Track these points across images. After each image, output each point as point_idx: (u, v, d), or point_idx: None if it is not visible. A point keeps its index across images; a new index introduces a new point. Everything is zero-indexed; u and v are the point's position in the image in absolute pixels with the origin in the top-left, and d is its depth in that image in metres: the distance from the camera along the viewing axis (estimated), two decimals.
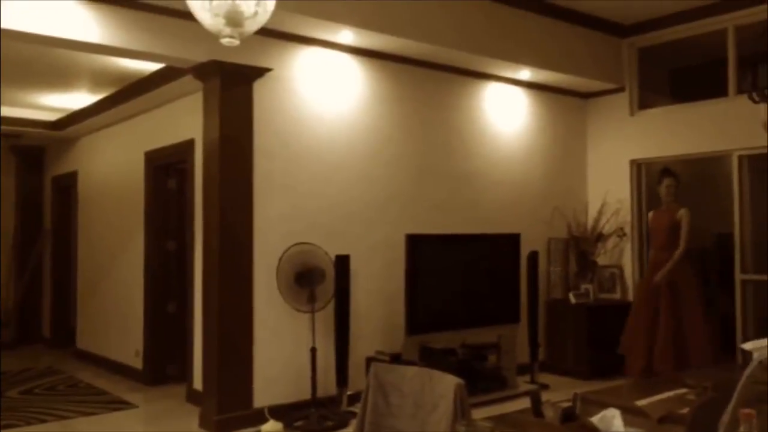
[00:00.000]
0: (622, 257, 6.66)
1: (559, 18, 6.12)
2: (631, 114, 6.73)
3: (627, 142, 6.71)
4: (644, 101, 6.73)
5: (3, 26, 3.95)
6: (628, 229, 6.60)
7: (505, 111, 6.41)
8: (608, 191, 6.71)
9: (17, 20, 3.98)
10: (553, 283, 6.65)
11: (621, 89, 6.74)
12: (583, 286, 6.51)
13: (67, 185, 8.27)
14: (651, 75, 6.83)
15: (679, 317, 5.45)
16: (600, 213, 6.67)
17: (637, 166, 6.70)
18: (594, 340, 6.21)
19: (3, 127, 7.52)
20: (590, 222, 6.73)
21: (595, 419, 2.19)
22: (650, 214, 5.90)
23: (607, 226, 6.62)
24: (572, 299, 6.39)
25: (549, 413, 2.27)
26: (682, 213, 5.58)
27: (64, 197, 8.41)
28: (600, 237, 6.60)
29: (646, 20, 6.44)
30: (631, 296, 6.49)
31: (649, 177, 6.73)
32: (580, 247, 6.62)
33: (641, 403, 2.68)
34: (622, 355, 5.78)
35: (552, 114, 6.80)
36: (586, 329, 6.25)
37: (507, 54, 5.81)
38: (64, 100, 6.87)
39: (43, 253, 8.74)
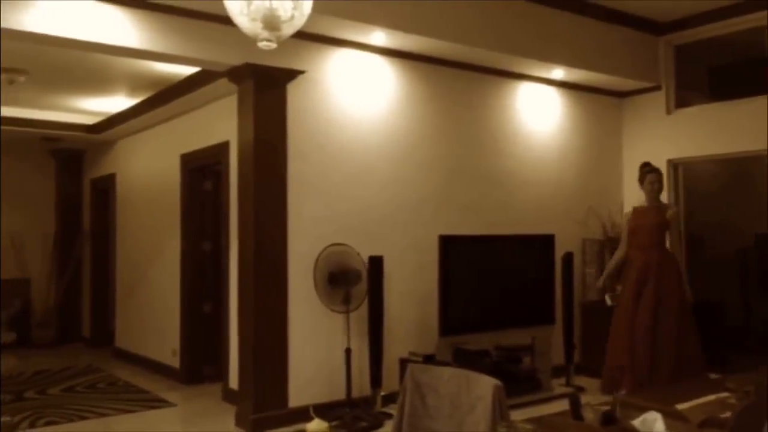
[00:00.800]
0: None
1: (593, 16, 6.05)
2: (668, 113, 6.61)
3: (664, 141, 6.59)
4: (681, 100, 6.61)
5: (45, 32, 4.05)
6: None
7: (538, 111, 6.35)
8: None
9: (57, 26, 4.08)
10: (588, 284, 6.56)
11: (657, 88, 6.63)
12: (619, 288, 6.40)
13: (105, 187, 8.44)
14: (689, 73, 6.70)
15: (671, 326, 5.11)
16: None
17: (674, 166, 6.58)
18: None
19: (44, 130, 7.72)
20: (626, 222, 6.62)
21: (636, 422, 2.17)
22: (629, 211, 5.58)
23: None
24: (608, 301, 6.27)
25: (588, 416, 2.25)
26: (673, 213, 5.39)
27: (103, 199, 8.58)
28: None
29: (683, 17, 6.32)
30: None
31: (687, 177, 6.61)
32: (616, 248, 6.51)
33: (682, 407, 2.64)
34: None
35: (586, 113, 6.72)
36: None
37: (540, 53, 5.76)
38: (102, 103, 7.01)
39: (82, 255, 8.93)
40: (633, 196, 6.71)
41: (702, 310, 5.57)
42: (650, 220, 5.32)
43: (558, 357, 5.87)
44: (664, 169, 6.54)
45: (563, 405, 4.88)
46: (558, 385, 5.66)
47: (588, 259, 6.56)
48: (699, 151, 6.35)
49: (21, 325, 8.70)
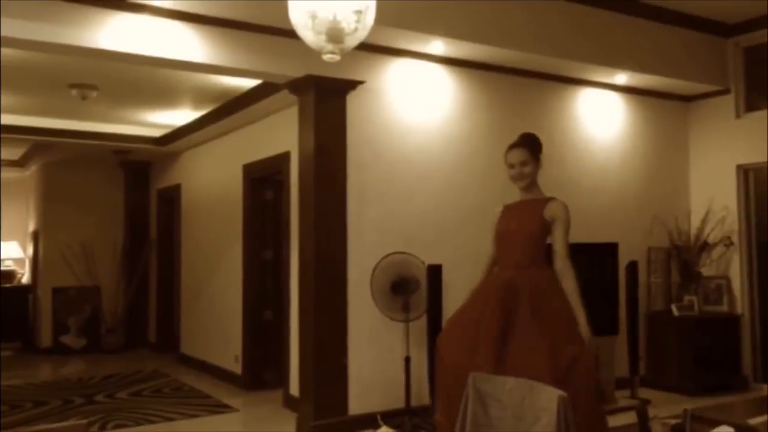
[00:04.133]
0: (729, 268, 6.30)
1: (657, 19, 5.90)
2: (738, 117, 6.38)
3: (733, 146, 6.36)
4: (751, 103, 6.37)
5: (116, 49, 4.23)
6: (735, 238, 6.25)
7: (600, 117, 6.23)
8: (713, 198, 6.39)
9: (128, 43, 4.24)
10: (654, 294, 6.39)
11: (726, 91, 6.41)
12: (687, 298, 6.21)
13: (171, 198, 8.70)
14: (759, 76, 6.46)
15: None
16: (704, 221, 6.35)
17: (744, 171, 6.34)
18: (700, 355, 5.91)
19: (114, 143, 8.02)
20: (694, 230, 6.43)
21: None
22: (498, 210, 3.80)
23: (712, 235, 6.29)
24: (675, 311, 6.11)
25: (657, 430, 2.19)
26: (555, 208, 3.53)
27: (168, 209, 8.85)
28: (705, 246, 6.29)
29: (752, 18, 6.10)
30: (740, 308, 6.14)
31: (758, 183, 6.36)
32: (683, 256, 6.32)
33: (754, 421, 2.54)
34: (729, 370, 5.41)
35: (651, 118, 6.55)
36: (692, 343, 5.95)
37: (602, 58, 5.66)
38: (169, 117, 7.24)
39: (149, 263, 9.22)
40: (701, 203, 6.50)
41: None
42: (519, 224, 3.57)
43: (622, 368, 5.71)
44: (733, 175, 6.31)
45: (628, 418, 4.77)
46: (622, 398, 5.51)
47: (653, 268, 6.38)
48: None
49: (91, 331, 9.04)
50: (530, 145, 3.62)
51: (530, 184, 3.59)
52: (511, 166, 3.61)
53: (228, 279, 6.90)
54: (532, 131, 5.77)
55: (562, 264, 3.43)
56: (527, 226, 3.49)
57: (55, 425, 1.74)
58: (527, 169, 3.56)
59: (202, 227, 7.75)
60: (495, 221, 3.70)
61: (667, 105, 6.64)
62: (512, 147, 3.66)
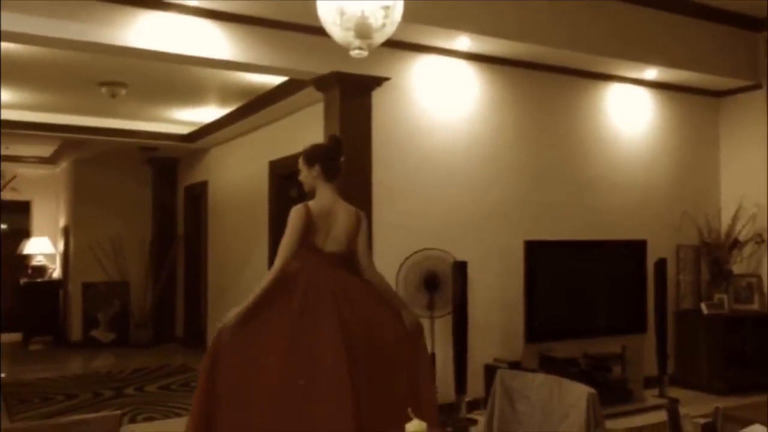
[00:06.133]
0: (761, 266, 6.19)
1: (686, 13, 5.81)
2: None
3: (765, 142, 6.24)
4: None
5: (145, 47, 4.28)
6: (766, 236, 6.14)
7: (628, 112, 6.16)
8: (744, 195, 6.27)
9: (157, 41, 4.30)
10: (683, 292, 6.30)
11: (758, 86, 6.28)
12: (717, 296, 6.12)
13: (198, 194, 8.79)
14: None
15: None
16: (735, 218, 6.25)
17: None
18: (730, 353, 5.82)
19: (142, 140, 8.13)
20: (724, 228, 6.32)
21: None
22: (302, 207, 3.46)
23: (743, 232, 6.19)
24: (705, 310, 6.02)
25: (687, 428, 2.16)
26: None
27: (196, 206, 8.94)
28: (735, 244, 6.18)
29: None
30: None
31: None
32: (713, 254, 6.22)
33: None
34: (760, 369, 5.34)
35: (681, 114, 6.46)
36: (722, 341, 5.86)
37: (631, 54, 5.59)
38: (196, 114, 7.31)
39: (176, 259, 9.33)
40: (732, 200, 6.40)
41: None
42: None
43: (650, 367, 5.65)
44: (765, 171, 6.19)
45: (656, 417, 4.73)
46: (650, 396, 5.45)
47: (682, 266, 6.30)
48: None
49: (120, 325, 9.18)
50: (305, 154, 3.58)
51: (309, 190, 3.59)
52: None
53: (255, 275, 6.94)
54: (557, 127, 5.78)
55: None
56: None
57: (89, 416, 1.77)
58: (300, 177, 3.61)
59: (229, 224, 7.81)
60: None
61: (698, 100, 6.54)
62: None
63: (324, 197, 3.46)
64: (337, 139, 3.63)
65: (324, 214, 3.39)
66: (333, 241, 3.39)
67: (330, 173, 3.47)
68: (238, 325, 3.17)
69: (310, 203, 3.45)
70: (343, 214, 3.44)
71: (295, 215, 3.33)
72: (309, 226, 3.32)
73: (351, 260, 3.48)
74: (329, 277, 3.31)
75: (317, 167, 3.48)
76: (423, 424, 1.45)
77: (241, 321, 3.18)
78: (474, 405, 5.02)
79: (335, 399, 3.01)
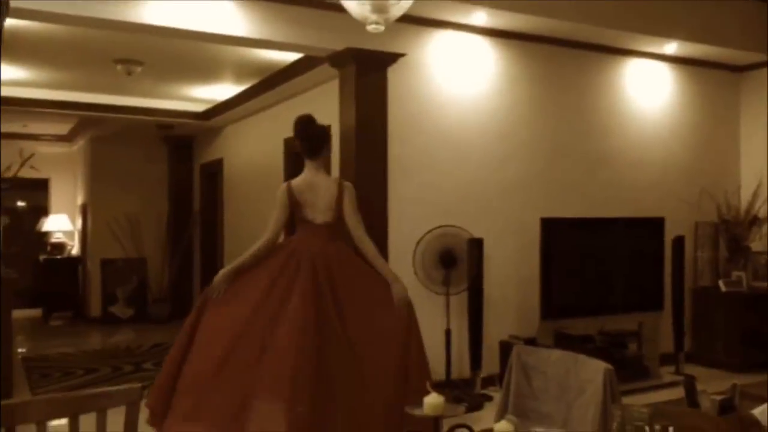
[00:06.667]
0: None
1: None
2: None
3: None
4: None
5: (161, 24, 4.27)
6: None
7: (647, 88, 6.07)
8: (764, 171, 6.19)
9: (173, 18, 4.28)
10: (701, 269, 6.26)
11: None
12: (735, 274, 6.07)
13: (214, 172, 8.83)
14: None
15: None
16: (755, 195, 6.17)
17: None
18: (748, 331, 5.80)
19: (158, 118, 8.16)
20: (743, 204, 6.26)
21: (755, 412, 2.06)
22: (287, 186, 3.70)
23: (762, 209, 6.12)
24: (722, 287, 5.99)
25: (705, 404, 2.16)
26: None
27: (211, 183, 8.98)
28: (755, 221, 6.12)
29: None
30: None
31: None
32: (732, 231, 6.17)
33: None
34: None
35: (700, 89, 6.36)
36: (739, 319, 5.84)
37: (650, 28, 5.50)
38: (211, 91, 7.31)
39: (193, 236, 9.40)
40: (752, 176, 6.32)
41: None
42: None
43: (667, 345, 5.64)
44: None
45: (672, 394, 4.72)
46: (667, 373, 5.45)
47: (701, 243, 6.25)
48: None
49: (138, 301, 9.29)
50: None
51: None
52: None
53: None
54: (574, 103, 5.72)
55: None
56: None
57: (112, 388, 1.80)
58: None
59: (245, 201, 7.85)
60: None
61: (718, 75, 6.43)
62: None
63: (306, 173, 3.67)
64: (302, 119, 3.76)
65: (307, 188, 3.60)
66: (321, 212, 3.58)
67: (307, 151, 3.66)
68: (224, 284, 3.42)
69: (293, 181, 3.68)
70: (324, 186, 3.63)
71: (278, 192, 3.62)
72: (294, 202, 3.56)
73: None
74: (316, 246, 3.49)
75: (298, 144, 3.70)
76: (441, 397, 1.46)
77: (226, 280, 3.44)
78: (489, 381, 5.05)
79: (288, 346, 3.17)
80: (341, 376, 3.17)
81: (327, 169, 3.86)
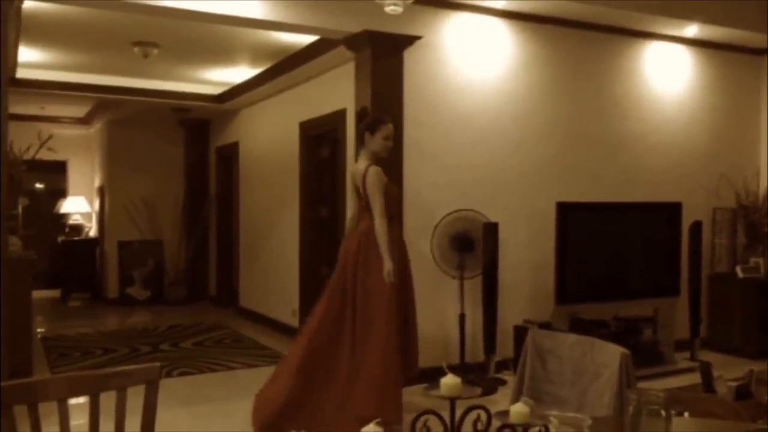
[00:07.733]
0: None
1: None
2: None
3: None
4: None
5: (177, 6, 4.27)
6: None
7: (667, 71, 6.00)
8: None
9: (191, 0, 4.28)
10: (718, 255, 6.21)
11: None
12: (753, 260, 6.02)
13: (229, 155, 8.85)
14: None
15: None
16: None
17: None
18: (765, 317, 5.76)
19: (174, 101, 8.18)
20: (762, 191, 6.18)
21: None
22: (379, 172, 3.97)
23: None
24: (740, 273, 5.94)
25: (721, 390, 2.15)
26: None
27: (227, 166, 9.01)
28: None
29: None
30: None
31: None
32: (750, 217, 6.11)
33: None
34: None
35: (721, 73, 6.27)
36: (756, 305, 5.80)
37: (671, 10, 5.42)
38: (227, 74, 7.31)
39: (209, 219, 9.46)
40: None
41: None
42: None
43: (682, 331, 5.61)
44: None
45: (687, 380, 4.71)
46: (682, 359, 5.42)
47: (719, 229, 6.19)
48: None
49: (154, 283, 9.38)
50: (372, 123, 4.16)
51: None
52: (388, 138, 4.08)
53: (285, 235, 7.02)
54: (593, 86, 5.66)
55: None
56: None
57: (131, 367, 1.82)
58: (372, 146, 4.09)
59: (260, 184, 7.87)
60: (386, 182, 4.03)
61: (739, 59, 6.33)
62: (388, 122, 4.10)
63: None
64: (357, 113, 4.42)
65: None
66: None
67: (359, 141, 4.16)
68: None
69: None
70: (359, 172, 4.06)
71: (380, 174, 4.00)
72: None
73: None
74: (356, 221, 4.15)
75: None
76: (457, 378, 1.46)
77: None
78: (503, 365, 5.05)
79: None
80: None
81: (368, 158, 4.09)
